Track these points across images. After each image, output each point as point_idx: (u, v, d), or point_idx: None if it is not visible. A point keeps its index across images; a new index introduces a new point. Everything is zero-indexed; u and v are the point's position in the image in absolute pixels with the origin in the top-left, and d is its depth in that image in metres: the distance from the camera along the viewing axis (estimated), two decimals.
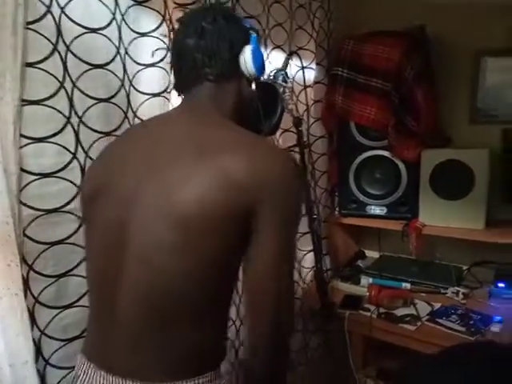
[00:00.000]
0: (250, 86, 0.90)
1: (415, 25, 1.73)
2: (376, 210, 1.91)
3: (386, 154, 1.85)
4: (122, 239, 0.75)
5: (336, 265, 2.01)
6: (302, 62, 1.67)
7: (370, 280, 1.78)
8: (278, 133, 1.67)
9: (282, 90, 1.19)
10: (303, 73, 1.55)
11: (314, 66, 1.84)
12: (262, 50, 1.54)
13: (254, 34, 0.89)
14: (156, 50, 1.10)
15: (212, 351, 0.80)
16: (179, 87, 0.90)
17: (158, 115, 0.92)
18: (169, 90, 1.25)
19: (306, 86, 1.81)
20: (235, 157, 0.72)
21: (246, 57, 0.85)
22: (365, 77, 1.78)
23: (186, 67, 0.86)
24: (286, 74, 1.24)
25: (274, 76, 1.22)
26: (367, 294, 1.68)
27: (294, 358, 1.83)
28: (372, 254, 2.13)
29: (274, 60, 1.65)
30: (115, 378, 0.74)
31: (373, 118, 1.78)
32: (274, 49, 1.66)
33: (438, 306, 1.63)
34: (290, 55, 1.30)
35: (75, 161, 1.06)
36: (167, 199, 0.72)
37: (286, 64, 1.27)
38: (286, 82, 1.22)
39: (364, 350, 1.65)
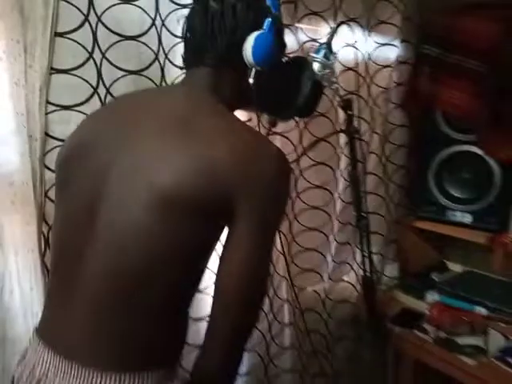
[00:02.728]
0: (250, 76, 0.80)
1: None
2: (459, 216, 1.62)
3: (477, 150, 1.55)
4: (92, 213, 0.71)
5: (404, 273, 1.77)
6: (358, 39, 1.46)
7: (437, 297, 1.52)
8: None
9: (320, 66, 1.04)
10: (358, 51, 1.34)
11: (397, 43, 1.61)
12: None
13: (269, 18, 0.78)
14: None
15: (170, 346, 0.75)
16: (184, 65, 0.86)
17: (153, 88, 0.89)
18: None
19: (384, 66, 1.62)
20: (221, 146, 0.68)
21: (248, 45, 0.76)
22: (457, 57, 1.50)
23: (189, 48, 0.82)
24: (330, 48, 1.08)
25: (315, 51, 1.08)
26: (428, 312, 1.44)
27: (340, 368, 1.68)
28: (455, 268, 1.83)
29: (344, 36, 1.48)
30: (73, 364, 0.68)
31: (463, 105, 1.50)
32: (345, 23, 1.48)
33: None
34: (337, 26, 1.13)
35: None
36: (144, 177, 0.68)
37: (330, 37, 1.10)
38: (328, 58, 1.07)
39: (411, 375, 1.43)
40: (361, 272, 1.66)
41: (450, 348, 1.31)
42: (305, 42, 1.41)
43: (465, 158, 1.58)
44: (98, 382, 0.66)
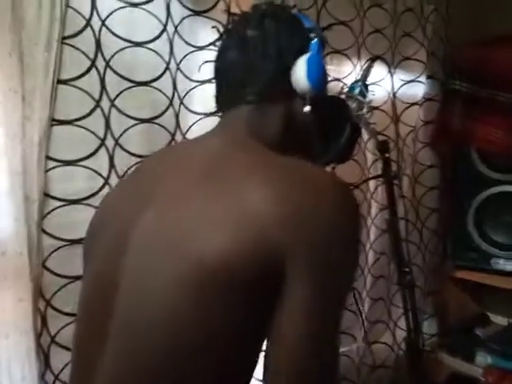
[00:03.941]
0: (305, 106, 0.67)
1: None
2: (503, 263, 1.46)
3: None
4: (109, 294, 0.57)
5: (444, 330, 1.58)
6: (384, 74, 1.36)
7: (489, 359, 1.34)
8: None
9: (356, 105, 0.93)
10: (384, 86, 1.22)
11: (423, 79, 1.51)
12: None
13: (314, 40, 0.67)
14: (204, 62, 0.94)
15: None
16: (218, 109, 0.72)
17: (188, 140, 0.76)
18: None
19: (411, 104, 1.51)
20: (259, 185, 0.53)
21: (299, 69, 0.65)
22: (490, 90, 1.39)
23: (225, 86, 0.69)
24: (366, 85, 0.97)
25: (349, 88, 0.96)
26: (483, 379, 1.25)
27: None
28: (499, 321, 1.65)
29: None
30: None
31: (500, 142, 1.38)
32: (380, 57, 1.38)
33: None
34: (372, 62, 1.02)
35: (107, 186, 0.96)
36: (175, 247, 0.53)
37: (366, 74, 1.00)
38: (364, 95, 0.95)
39: None
40: (398, 332, 1.50)
41: None
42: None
43: (507, 200, 1.44)
44: None
